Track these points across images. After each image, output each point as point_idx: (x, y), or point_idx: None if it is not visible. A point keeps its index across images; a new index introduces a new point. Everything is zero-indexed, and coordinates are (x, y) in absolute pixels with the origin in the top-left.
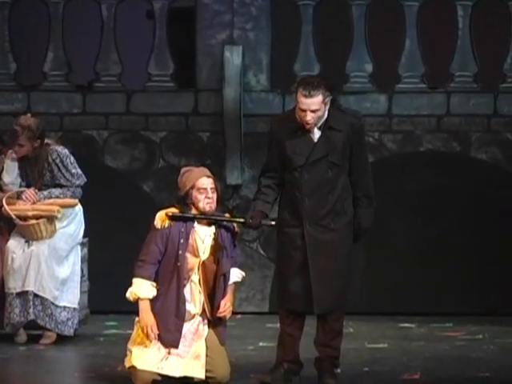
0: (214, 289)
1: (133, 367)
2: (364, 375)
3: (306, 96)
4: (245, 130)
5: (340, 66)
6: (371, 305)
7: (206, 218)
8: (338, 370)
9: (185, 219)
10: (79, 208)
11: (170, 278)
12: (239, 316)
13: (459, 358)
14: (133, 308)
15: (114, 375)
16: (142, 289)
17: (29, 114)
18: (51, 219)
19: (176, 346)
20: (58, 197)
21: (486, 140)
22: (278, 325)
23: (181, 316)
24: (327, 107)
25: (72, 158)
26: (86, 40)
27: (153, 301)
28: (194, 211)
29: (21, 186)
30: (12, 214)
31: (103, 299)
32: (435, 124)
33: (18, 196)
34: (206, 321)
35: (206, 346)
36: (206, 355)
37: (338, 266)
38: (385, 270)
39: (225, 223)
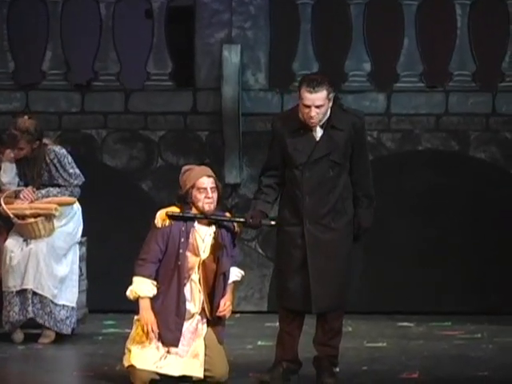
0: (213, 288)
1: (131, 366)
2: (363, 374)
3: (310, 92)
4: (243, 128)
5: (338, 65)
6: (371, 304)
7: (207, 218)
8: (337, 369)
9: (185, 219)
10: (78, 207)
11: (170, 276)
12: (238, 315)
13: (458, 357)
14: (131, 307)
15: (113, 374)
16: (142, 287)
17: (26, 116)
18: (49, 218)
19: (176, 345)
20: (55, 196)
21: (485, 139)
22: (277, 324)
23: (181, 315)
24: (331, 104)
25: (70, 158)
26: (85, 39)
27: (153, 299)
28: (194, 210)
29: (19, 186)
30: (10, 212)
31: (102, 298)
32: (434, 123)
33: (16, 195)
34: (204, 320)
35: (205, 345)
36: (205, 354)
37: (338, 265)
38: (384, 269)
39: (225, 223)
